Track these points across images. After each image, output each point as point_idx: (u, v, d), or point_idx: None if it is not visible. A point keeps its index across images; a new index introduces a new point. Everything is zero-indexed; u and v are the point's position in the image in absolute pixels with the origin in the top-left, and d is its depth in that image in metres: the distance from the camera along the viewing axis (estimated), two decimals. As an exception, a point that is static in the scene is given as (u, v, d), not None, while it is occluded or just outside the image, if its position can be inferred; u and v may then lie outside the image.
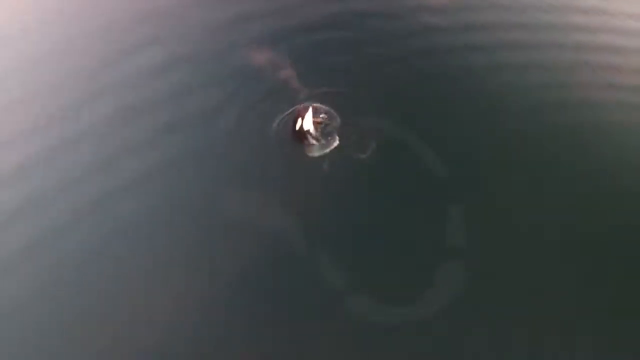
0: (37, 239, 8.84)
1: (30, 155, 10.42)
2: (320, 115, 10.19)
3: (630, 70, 12.40)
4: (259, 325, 7.78)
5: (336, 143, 9.77)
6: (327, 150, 9.78)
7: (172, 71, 12.30)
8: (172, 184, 9.68)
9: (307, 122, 9.72)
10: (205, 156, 10.11)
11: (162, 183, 9.66)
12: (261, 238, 8.71)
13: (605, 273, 8.32)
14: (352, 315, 7.78)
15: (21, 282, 8.31)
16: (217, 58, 12.95)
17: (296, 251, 8.52)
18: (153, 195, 9.49)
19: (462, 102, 11.20)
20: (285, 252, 8.53)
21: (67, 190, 9.65)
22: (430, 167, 9.77)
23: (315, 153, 9.76)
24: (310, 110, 9.80)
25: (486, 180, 9.67)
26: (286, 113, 10.68)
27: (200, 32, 13.55)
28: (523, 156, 10.06)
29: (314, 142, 9.74)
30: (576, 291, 8.03)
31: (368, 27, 13.54)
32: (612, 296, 8.02)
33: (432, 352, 7.52)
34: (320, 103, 10.57)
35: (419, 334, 7.60)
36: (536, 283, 8.12)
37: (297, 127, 9.72)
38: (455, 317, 7.69)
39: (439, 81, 11.73)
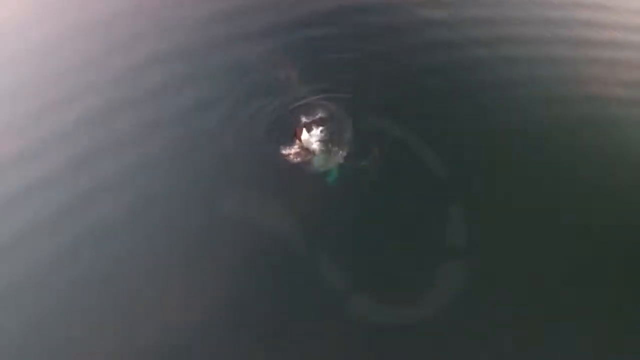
0: (33, 237, 8.84)
1: (30, 144, 10.37)
2: (319, 131, 10.04)
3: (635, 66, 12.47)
4: (259, 325, 7.77)
5: (337, 159, 9.73)
6: (330, 165, 9.72)
7: (168, 67, 12.20)
8: (173, 184, 9.68)
9: (306, 141, 9.73)
10: (205, 156, 10.06)
11: (162, 184, 9.71)
12: (261, 238, 8.74)
13: (606, 272, 8.34)
14: (352, 315, 7.80)
15: (20, 283, 8.34)
16: (214, 52, 12.89)
17: (296, 251, 8.55)
18: (153, 196, 9.52)
19: (463, 102, 11.19)
20: (285, 252, 8.56)
21: (64, 187, 9.60)
22: (430, 167, 9.81)
23: (320, 168, 9.72)
24: (304, 130, 9.80)
25: (486, 180, 9.70)
26: (288, 109, 10.74)
27: (198, 27, 13.46)
28: (523, 156, 10.06)
29: (313, 155, 9.70)
30: (576, 291, 8.06)
31: (368, 24, 13.46)
32: (612, 296, 8.05)
33: (432, 352, 7.55)
34: (320, 109, 10.57)
35: (419, 334, 7.64)
36: (536, 282, 8.15)
37: (297, 147, 9.73)
38: (455, 317, 7.73)
39: (440, 82, 11.70)
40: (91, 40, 13.16)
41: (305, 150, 9.53)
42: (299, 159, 9.51)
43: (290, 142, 9.71)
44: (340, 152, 9.79)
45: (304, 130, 9.57)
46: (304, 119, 10.00)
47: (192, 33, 13.31)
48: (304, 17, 13.55)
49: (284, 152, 9.57)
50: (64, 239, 8.87)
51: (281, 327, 7.76)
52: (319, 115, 10.32)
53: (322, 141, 9.80)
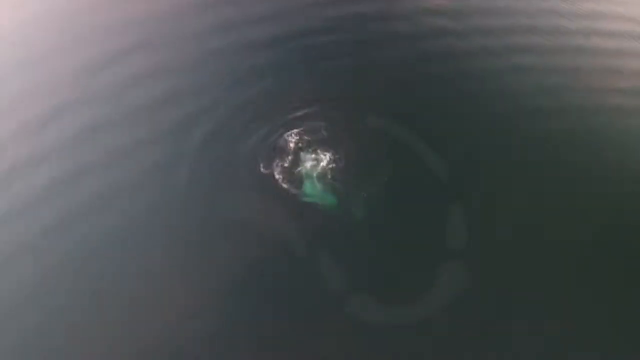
0: (37, 240, 8.88)
1: (38, 148, 10.44)
2: (322, 164, 9.68)
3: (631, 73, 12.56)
4: (260, 326, 7.79)
5: (357, 195, 9.27)
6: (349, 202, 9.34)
7: (168, 77, 12.19)
8: (173, 186, 9.69)
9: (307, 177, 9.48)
10: (205, 160, 10.14)
11: (163, 187, 9.75)
12: (262, 239, 8.77)
13: (605, 273, 8.36)
14: (352, 315, 7.78)
15: (21, 283, 8.37)
16: (217, 62, 12.97)
17: (296, 251, 8.57)
18: (156, 199, 9.58)
19: (463, 102, 11.29)
20: (286, 252, 8.57)
21: (69, 189, 9.67)
22: (430, 167, 9.84)
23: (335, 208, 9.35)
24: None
25: (486, 180, 9.75)
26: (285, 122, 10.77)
27: (195, 37, 13.50)
28: (523, 156, 10.09)
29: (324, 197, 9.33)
30: (576, 291, 8.06)
31: (368, 29, 13.57)
32: (612, 296, 8.06)
33: (432, 352, 7.53)
34: (319, 123, 10.44)
35: (419, 334, 7.63)
36: (536, 283, 8.15)
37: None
38: (455, 317, 7.73)
39: (440, 82, 11.87)
40: (80, 53, 13.21)
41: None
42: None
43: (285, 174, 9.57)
44: (352, 184, 9.41)
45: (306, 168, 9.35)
46: (303, 146, 9.87)
47: (196, 44, 13.44)
48: (306, 26, 13.63)
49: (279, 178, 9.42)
50: (63, 241, 8.96)
51: (281, 327, 7.75)
52: (319, 133, 10.18)
53: (328, 179, 9.45)
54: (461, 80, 11.86)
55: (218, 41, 13.19)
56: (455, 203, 9.13)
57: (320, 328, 7.73)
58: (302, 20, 13.82)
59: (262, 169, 9.64)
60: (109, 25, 13.71)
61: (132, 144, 10.47)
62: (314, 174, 9.37)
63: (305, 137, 9.97)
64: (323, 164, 9.52)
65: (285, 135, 10.12)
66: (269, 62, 12.34)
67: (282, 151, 9.84)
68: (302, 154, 9.59)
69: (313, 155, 9.60)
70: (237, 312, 7.93)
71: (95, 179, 9.89)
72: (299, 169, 9.45)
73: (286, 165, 9.57)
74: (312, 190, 9.13)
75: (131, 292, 8.22)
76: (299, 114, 10.64)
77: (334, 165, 9.61)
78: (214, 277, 8.36)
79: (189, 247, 8.78)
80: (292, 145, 9.86)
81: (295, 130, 10.12)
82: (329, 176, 9.42)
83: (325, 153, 9.68)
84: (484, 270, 8.26)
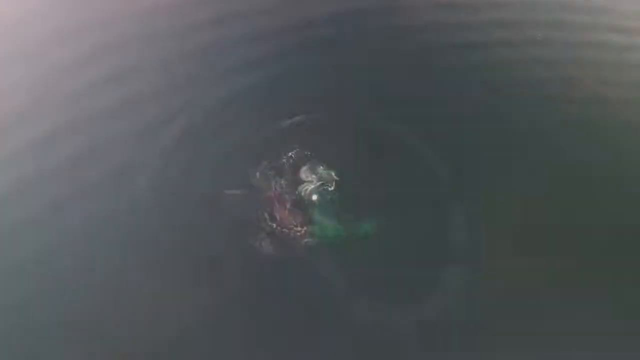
0: (46, 244, 8.73)
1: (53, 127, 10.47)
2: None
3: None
4: (260, 326, 7.76)
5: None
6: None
7: (153, 73, 11.81)
8: (174, 188, 9.57)
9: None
10: (205, 157, 10.05)
11: (164, 187, 9.59)
12: (262, 240, 8.66)
13: (606, 273, 8.35)
14: (353, 315, 7.76)
15: (27, 285, 8.26)
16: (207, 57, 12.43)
17: (297, 252, 8.52)
18: (157, 198, 9.41)
19: (463, 102, 11.21)
20: (287, 253, 8.51)
21: (81, 196, 9.49)
22: (430, 167, 9.76)
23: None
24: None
25: (486, 180, 9.70)
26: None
27: (188, 31, 13.21)
28: (524, 156, 10.08)
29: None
30: (577, 291, 8.03)
31: (366, 25, 13.47)
32: (612, 296, 8.03)
33: (432, 352, 7.55)
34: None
35: (419, 334, 7.62)
36: (536, 283, 8.14)
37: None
38: (455, 318, 7.71)
39: (441, 82, 11.78)
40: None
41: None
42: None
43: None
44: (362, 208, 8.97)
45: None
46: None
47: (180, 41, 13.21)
48: (296, 21, 13.47)
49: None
50: (61, 238, 8.90)
51: (281, 327, 7.76)
52: (319, 144, 9.72)
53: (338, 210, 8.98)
54: (462, 79, 11.89)
55: (207, 36, 12.93)
56: (455, 203, 9.13)
57: (320, 328, 7.76)
58: (292, 16, 13.61)
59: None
60: (88, 23, 13.36)
61: (113, 142, 10.39)
62: (321, 210, 8.99)
63: (305, 152, 9.63)
64: (329, 188, 9.12)
65: (280, 149, 9.86)
66: (263, 58, 12.17)
67: (279, 169, 9.61)
68: (302, 175, 9.28)
69: (314, 176, 9.24)
70: (238, 313, 7.98)
71: (75, 174, 9.84)
72: (302, 197, 9.15)
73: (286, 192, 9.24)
74: (326, 231, 8.79)
75: (131, 293, 8.20)
76: (294, 118, 10.49)
77: (338, 190, 9.23)
78: (216, 279, 8.33)
79: (189, 248, 8.74)
80: (289, 162, 9.53)
81: (293, 142, 9.84)
82: (338, 206, 9.06)
83: (329, 171, 9.33)
84: (485, 271, 8.31)
